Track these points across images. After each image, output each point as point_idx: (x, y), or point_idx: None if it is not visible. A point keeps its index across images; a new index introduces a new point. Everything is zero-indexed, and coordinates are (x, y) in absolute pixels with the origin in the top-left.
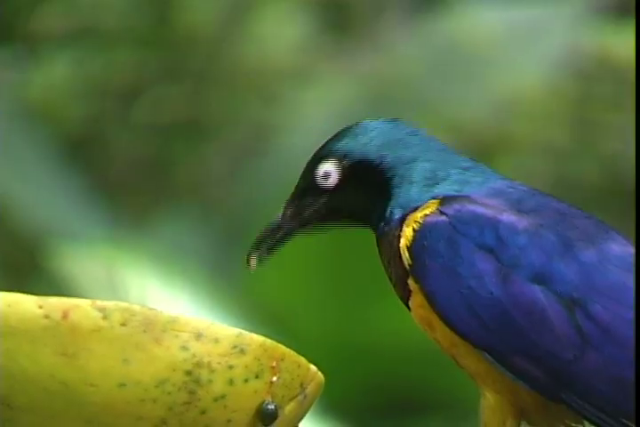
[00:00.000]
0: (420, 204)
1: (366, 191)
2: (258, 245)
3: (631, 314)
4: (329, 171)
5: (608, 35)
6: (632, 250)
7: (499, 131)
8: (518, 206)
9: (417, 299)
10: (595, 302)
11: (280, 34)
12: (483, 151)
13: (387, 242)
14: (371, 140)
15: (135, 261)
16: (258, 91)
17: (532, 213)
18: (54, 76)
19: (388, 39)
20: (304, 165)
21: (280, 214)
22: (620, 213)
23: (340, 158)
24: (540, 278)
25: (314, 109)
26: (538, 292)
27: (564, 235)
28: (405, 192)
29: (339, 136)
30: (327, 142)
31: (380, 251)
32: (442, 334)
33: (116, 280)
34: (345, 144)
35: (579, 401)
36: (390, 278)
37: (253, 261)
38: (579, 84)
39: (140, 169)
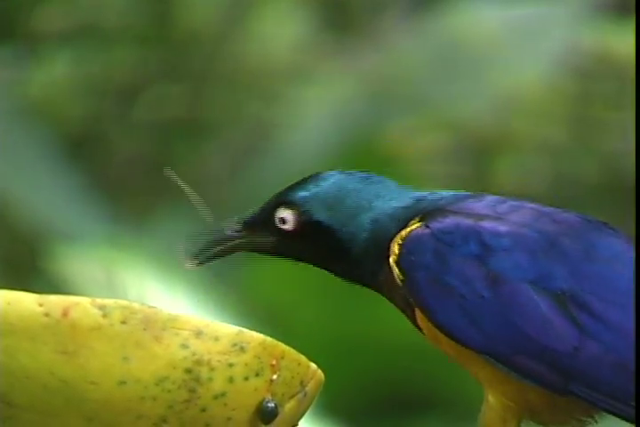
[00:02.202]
0: (401, 228)
1: (324, 247)
2: (195, 246)
3: (622, 299)
4: (286, 218)
5: (608, 33)
6: (618, 239)
7: (498, 128)
8: (494, 210)
9: (418, 313)
10: (586, 293)
11: (280, 32)
12: (482, 149)
13: (383, 280)
14: (335, 203)
15: (134, 261)
16: (258, 89)
17: (508, 214)
18: (55, 74)
19: (388, 38)
20: (269, 197)
21: (231, 228)
22: (620, 211)
23: (300, 211)
24: (529, 277)
25: (314, 108)
26: (528, 290)
27: (546, 231)
28: (374, 245)
29: (306, 184)
30: (294, 186)
31: (387, 297)
32: (447, 344)
33: (115, 280)
34: (307, 198)
35: (587, 391)
36: (399, 307)
37: (187, 260)
38: (578, 81)
39: (140, 168)
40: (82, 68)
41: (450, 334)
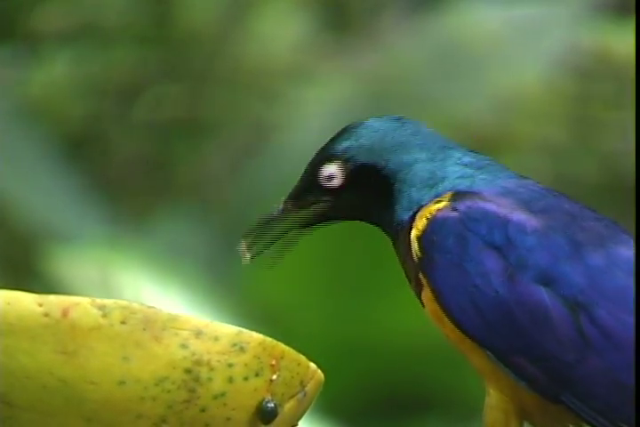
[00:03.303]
0: (425, 202)
1: (370, 193)
2: (253, 236)
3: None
4: (333, 173)
5: (607, 33)
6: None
7: (498, 128)
8: (528, 206)
9: (427, 293)
10: (599, 307)
11: (280, 33)
12: (482, 149)
13: (401, 240)
14: (374, 142)
15: (132, 263)
16: (258, 89)
17: (541, 213)
18: (55, 74)
19: (387, 37)
20: (306, 164)
21: (279, 207)
22: (620, 211)
23: (344, 161)
24: (546, 280)
25: (314, 108)
26: (543, 293)
27: (572, 237)
28: (409, 195)
29: (342, 136)
30: (330, 142)
31: (396, 251)
32: (450, 329)
33: (111, 281)
34: (349, 146)
35: (578, 403)
36: (407, 276)
37: (247, 253)
38: (578, 81)
39: (140, 168)
40: (82, 68)
41: (455, 321)
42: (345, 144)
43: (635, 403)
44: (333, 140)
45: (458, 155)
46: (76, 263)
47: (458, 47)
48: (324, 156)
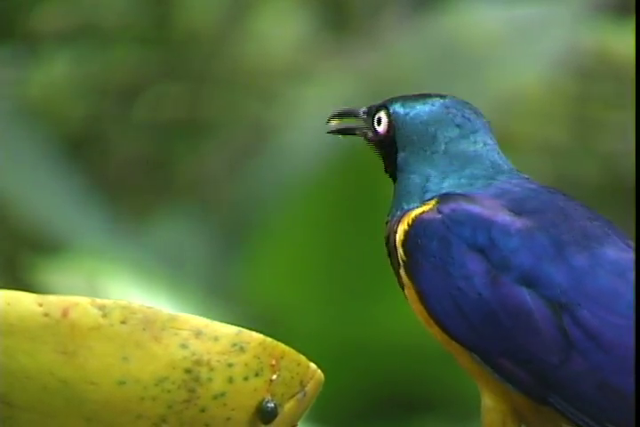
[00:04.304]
0: (417, 205)
1: (393, 157)
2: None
3: (619, 320)
4: (381, 119)
5: (608, 33)
6: (629, 255)
7: (498, 129)
8: (519, 207)
9: (411, 294)
10: (582, 308)
11: (279, 32)
12: None
13: (389, 234)
14: (414, 128)
15: (122, 271)
16: (257, 90)
17: (531, 214)
18: (54, 74)
19: (387, 37)
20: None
21: (363, 109)
22: (620, 212)
23: (391, 120)
24: (529, 281)
25: (313, 108)
26: (526, 295)
27: (557, 238)
28: (410, 191)
29: (413, 98)
30: (402, 97)
31: (386, 241)
32: (437, 331)
33: (100, 291)
34: (399, 111)
35: (564, 404)
36: (393, 268)
37: (333, 124)
38: (578, 82)
39: (140, 168)
40: (82, 68)
41: (440, 324)
42: (403, 110)
43: (634, 405)
44: (406, 97)
45: (480, 156)
46: (64, 273)
47: (458, 47)
48: (386, 102)
